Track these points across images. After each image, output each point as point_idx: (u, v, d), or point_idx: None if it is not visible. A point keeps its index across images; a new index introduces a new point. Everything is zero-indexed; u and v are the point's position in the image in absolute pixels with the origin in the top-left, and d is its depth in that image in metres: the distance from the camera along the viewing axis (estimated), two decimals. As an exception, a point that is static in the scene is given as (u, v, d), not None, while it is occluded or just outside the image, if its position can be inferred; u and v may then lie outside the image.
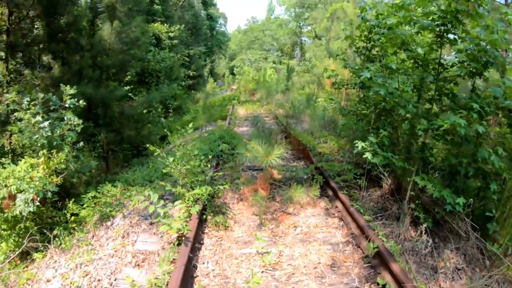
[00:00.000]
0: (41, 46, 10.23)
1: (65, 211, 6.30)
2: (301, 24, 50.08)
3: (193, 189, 5.40)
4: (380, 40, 7.10)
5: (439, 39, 4.60)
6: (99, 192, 7.21)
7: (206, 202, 5.50)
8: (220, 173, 6.62)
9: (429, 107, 4.94)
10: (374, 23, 7.12)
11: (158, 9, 27.15)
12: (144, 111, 12.59)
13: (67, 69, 10.06)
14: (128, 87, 13.73)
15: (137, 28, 10.65)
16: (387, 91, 4.27)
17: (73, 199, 6.64)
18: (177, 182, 5.59)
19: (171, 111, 19.85)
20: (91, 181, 10.01)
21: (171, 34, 25.52)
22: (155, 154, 5.15)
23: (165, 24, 24.64)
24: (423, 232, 4.70)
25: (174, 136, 5.51)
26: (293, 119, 15.35)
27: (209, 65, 56.07)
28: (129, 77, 13.82)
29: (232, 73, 56.94)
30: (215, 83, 54.15)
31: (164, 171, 5.60)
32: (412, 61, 5.00)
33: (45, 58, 10.44)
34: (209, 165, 5.85)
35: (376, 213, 5.71)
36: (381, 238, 4.70)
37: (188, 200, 5.19)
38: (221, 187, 5.91)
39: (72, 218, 6.24)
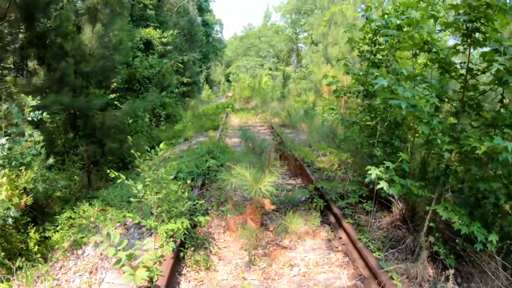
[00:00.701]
0: (26, 51, 9.41)
1: (29, 240, 5.57)
2: (297, 31, 49.48)
3: (171, 219, 4.49)
4: (389, 43, 6.31)
5: (466, 38, 3.76)
6: (75, 212, 6.44)
7: (184, 238, 4.57)
8: (202, 201, 5.58)
9: (454, 122, 4.06)
10: (380, 23, 6.33)
11: (151, 14, 26.33)
12: (130, 121, 11.72)
13: (49, 76, 9.23)
14: (114, 95, 12.91)
15: (120, 31, 9.79)
16: (409, 103, 3.40)
17: (42, 225, 5.94)
18: (152, 210, 4.71)
19: (162, 119, 19.00)
20: (69, 198, 9.19)
21: (164, 40, 24.72)
22: (119, 180, 4.24)
23: (158, 30, 23.82)
24: (450, 279, 3.81)
25: (143, 157, 4.60)
26: (289, 128, 14.49)
27: (205, 72, 55.39)
28: (115, 84, 12.96)
29: (228, 80, 56.30)
30: (211, 90, 53.44)
31: (132, 200, 4.70)
32: (436, 65, 4.12)
33: (31, 64, 9.64)
34: (187, 193, 4.88)
35: (387, 247, 4.81)
36: (395, 284, 3.83)
37: (161, 235, 4.29)
38: (202, 218, 4.97)
39: (36, 248, 5.47)
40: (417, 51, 4.28)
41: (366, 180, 4.13)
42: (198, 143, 9.39)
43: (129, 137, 4.88)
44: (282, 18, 51.97)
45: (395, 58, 6.70)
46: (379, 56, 7.18)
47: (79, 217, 6.31)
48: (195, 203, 5.34)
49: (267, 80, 33.54)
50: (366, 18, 6.55)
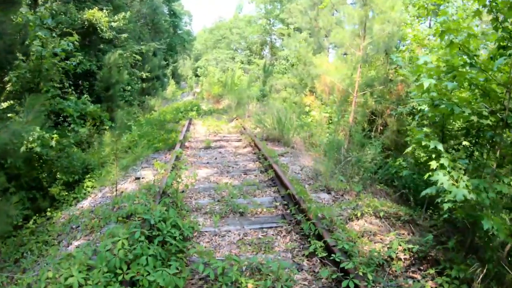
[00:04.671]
0: None
1: None
2: (272, 21, 45.15)
3: None
4: None
5: None
6: None
7: None
8: None
9: None
10: None
11: (101, -6, 21.23)
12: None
13: None
14: (7, 104, 8.25)
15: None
16: None
17: None
18: None
19: (106, 129, 14.11)
20: None
21: (114, 24, 19.74)
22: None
23: (104, 10, 18.83)
24: None
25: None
26: (280, 145, 10.03)
27: (171, 66, 50.39)
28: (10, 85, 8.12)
29: (196, 75, 51.61)
30: (177, 85, 48.29)
31: None
32: None
33: None
34: None
35: None
36: None
37: None
38: None
39: None
40: None
41: None
42: (127, 198, 4.86)
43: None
44: (256, 8, 47.37)
45: None
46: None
47: None
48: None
49: (240, 74, 28.82)
50: None
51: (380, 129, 11.15)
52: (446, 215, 3.79)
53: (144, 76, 26.55)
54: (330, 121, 10.47)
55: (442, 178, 3.32)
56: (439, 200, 3.70)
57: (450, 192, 3.22)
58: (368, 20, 9.98)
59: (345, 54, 12.94)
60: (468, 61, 3.38)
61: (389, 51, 9.91)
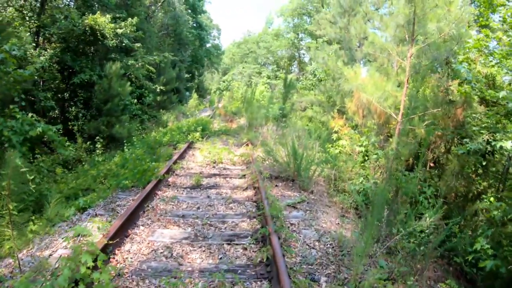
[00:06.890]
0: None
1: None
2: (300, 36, 42.82)
3: None
4: None
5: None
6: None
7: None
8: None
9: None
10: None
11: (111, 1, 19.43)
12: None
13: None
14: None
15: None
16: None
17: None
18: None
19: (99, 145, 11.85)
20: None
21: (120, 31, 17.64)
22: None
23: (108, 15, 16.77)
24: None
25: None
26: (293, 186, 7.32)
27: (196, 79, 48.80)
28: None
29: (220, 89, 49.84)
30: (201, 99, 46.23)
31: None
32: None
33: None
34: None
35: None
36: None
37: None
38: None
39: None
40: None
41: None
42: None
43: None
44: (284, 22, 45.29)
45: None
46: None
47: None
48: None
49: (263, 90, 26.18)
50: None
51: (430, 165, 8.35)
52: None
53: (158, 89, 24.51)
54: (366, 157, 7.72)
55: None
56: None
57: None
58: (418, 18, 7.28)
59: (382, 65, 10.27)
60: None
61: (450, 59, 7.14)
